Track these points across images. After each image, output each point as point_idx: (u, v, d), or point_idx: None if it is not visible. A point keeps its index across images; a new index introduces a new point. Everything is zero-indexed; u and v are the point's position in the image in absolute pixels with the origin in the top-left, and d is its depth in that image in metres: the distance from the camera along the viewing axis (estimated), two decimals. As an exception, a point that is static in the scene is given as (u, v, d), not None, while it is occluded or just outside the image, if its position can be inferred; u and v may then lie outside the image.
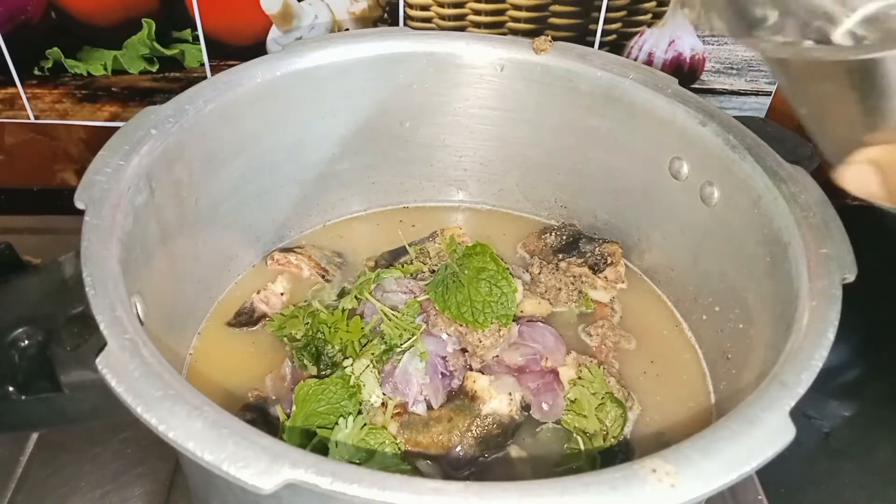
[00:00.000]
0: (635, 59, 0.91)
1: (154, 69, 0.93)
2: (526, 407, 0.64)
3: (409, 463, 0.58)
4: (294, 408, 0.58)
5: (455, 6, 0.88)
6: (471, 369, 0.64)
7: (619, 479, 0.39)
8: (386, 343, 0.63)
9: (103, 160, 0.56)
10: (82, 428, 0.72)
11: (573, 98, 0.73)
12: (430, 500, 0.38)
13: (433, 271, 0.70)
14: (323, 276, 0.76)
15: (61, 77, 0.93)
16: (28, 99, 0.95)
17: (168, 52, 0.91)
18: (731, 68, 0.93)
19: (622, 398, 0.64)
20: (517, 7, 0.89)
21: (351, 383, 0.59)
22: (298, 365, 0.65)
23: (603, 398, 0.63)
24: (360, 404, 0.60)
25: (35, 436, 0.71)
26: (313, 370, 0.64)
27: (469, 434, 0.61)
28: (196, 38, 0.90)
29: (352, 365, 0.61)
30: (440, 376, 0.63)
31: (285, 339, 0.68)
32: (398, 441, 0.59)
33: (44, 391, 0.54)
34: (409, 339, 0.63)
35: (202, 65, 0.92)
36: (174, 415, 0.40)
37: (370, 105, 0.76)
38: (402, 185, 0.84)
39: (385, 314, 0.64)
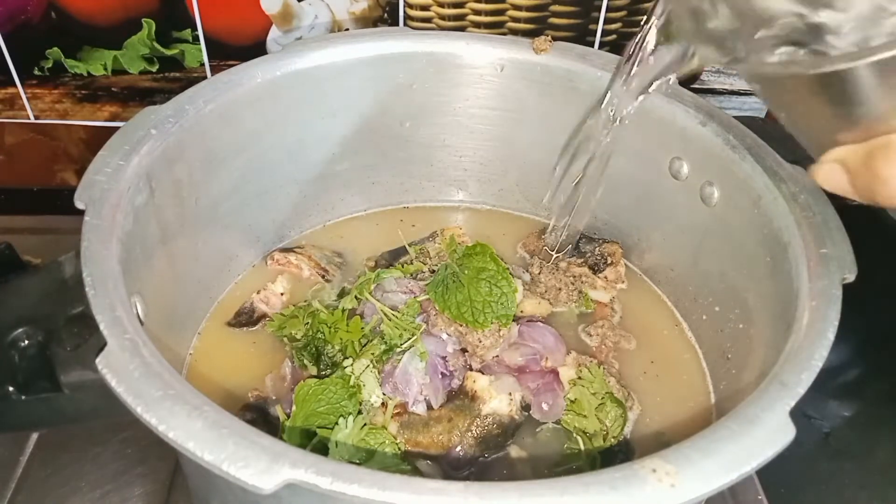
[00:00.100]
0: (635, 59, 0.91)
1: (154, 69, 0.93)
2: (526, 407, 0.64)
3: (409, 463, 0.58)
4: (294, 408, 0.58)
5: (455, 6, 0.88)
6: (471, 369, 0.64)
7: (619, 479, 0.39)
8: (386, 343, 0.63)
9: (103, 160, 0.56)
10: (82, 428, 0.72)
11: (573, 98, 0.73)
12: (430, 500, 0.38)
13: (433, 271, 0.70)
14: (323, 276, 0.76)
15: (61, 77, 0.93)
16: (28, 99, 0.95)
17: (168, 52, 0.91)
18: (731, 68, 0.93)
19: (622, 398, 0.64)
20: (517, 7, 0.89)
21: (351, 383, 0.59)
22: (298, 365, 0.65)
23: (603, 398, 0.63)
24: (360, 404, 0.60)
25: (35, 436, 0.71)
26: (313, 370, 0.64)
27: (469, 434, 0.61)
28: (196, 38, 0.90)
29: (352, 365, 0.61)
30: (440, 376, 0.63)
31: (285, 339, 0.68)
32: (398, 441, 0.59)
33: (44, 391, 0.55)
34: (409, 339, 0.63)
35: (202, 65, 0.92)
36: (174, 415, 0.40)
37: (370, 105, 0.76)
38: (402, 185, 0.84)
39: (385, 314, 0.64)
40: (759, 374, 0.52)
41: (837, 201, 0.59)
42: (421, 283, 0.68)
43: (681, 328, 0.74)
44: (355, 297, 0.67)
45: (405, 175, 0.84)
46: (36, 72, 0.93)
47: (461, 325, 0.64)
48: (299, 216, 0.81)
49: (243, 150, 0.70)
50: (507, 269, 0.65)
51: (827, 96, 0.41)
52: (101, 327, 0.45)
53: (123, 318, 0.46)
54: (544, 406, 0.63)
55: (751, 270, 0.63)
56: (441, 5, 0.88)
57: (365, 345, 0.63)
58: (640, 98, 0.58)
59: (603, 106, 0.63)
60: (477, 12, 0.89)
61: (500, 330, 0.64)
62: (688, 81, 0.93)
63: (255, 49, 0.91)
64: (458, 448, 0.60)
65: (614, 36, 0.91)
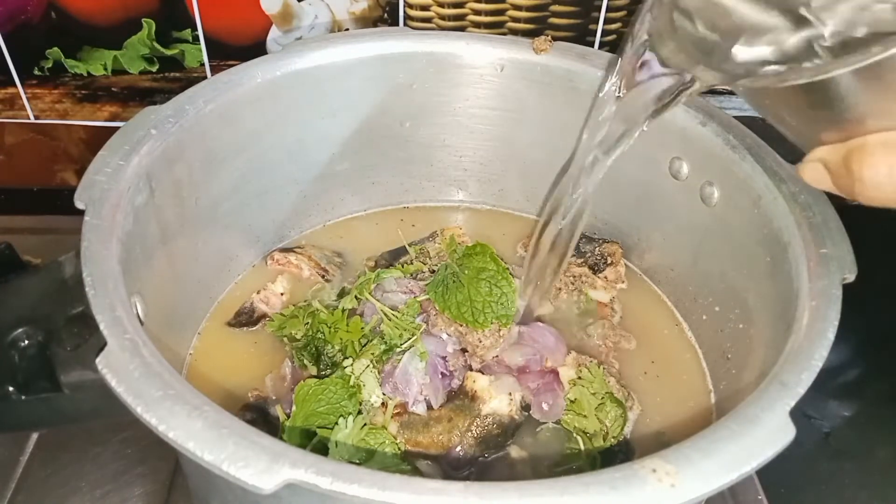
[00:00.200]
0: (635, 59, 0.91)
1: (154, 69, 0.93)
2: (526, 407, 0.64)
3: (409, 463, 0.58)
4: (294, 408, 0.58)
5: (455, 6, 0.88)
6: (471, 369, 0.64)
7: (619, 479, 0.39)
8: (386, 343, 0.63)
9: (103, 160, 0.56)
10: (82, 428, 0.72)
11: (573, 98, 0.73)
12: (430, 500, 0.38)
13: (433, 271, 0.70)
14: (323, 276, 0.76)
15: (61, 77, 0.93)
16: (28, 99, 0.95)
17: (168, 52, 0.91)
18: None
19: (622, 398, 0.64)
20: (517, 7, 0.89)
21: (351, 383, 0.59)
22: (298, 365, 0.65)
23: (603, 398, 0.63)
24: (360, 404, 0.60)
25: (35, 436, 0.71)
26: (313, 370, 0.64)
27: (469, 434, 0.61)
28: (196, 38, 0.90)
29: (352, 365, 0.61)
30: (440, 376, 0.63)
31: (285, 339, 0.68)
32: (398, 441, 0.59)
33: (44, 391, 0.54)
34: (409, 339, 0.63)
35: (202, 65, 0.92)
36: (174, 415, 0.40)
37: (370, 105, 0.76)
38: (402, 185, 0.84)
39: (385, 314, 0.64)
40: (759, 374, 0.52)
41: (837, 201, 0.60)
42: (421, 283, 0.68)
43: (681, 328, 0.74)
44: (355, 297, 0.67)
45: (405, 175, 0.84)
46: (36, 72, 0.93)
47: (461, 325, 0.64)
48: (299, 216, 0.81)
49: (243, 150, 0.70)
50: (507, 269, 0.65)
51: (806, 100, 0.42)
52: (101, 327, 0.45)
53: (123, 318, 0.46)
54: (544, 406, 0.63)
55: (751, 270, 0.63)
56: (441, 5, 0.88)
57: (365, 345, 0.63)
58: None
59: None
60: (477, 12, 0.89)
61: (500, 330, 0.64)
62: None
63: (255, 49, 0.91)
64: (458, 448, 0.60)
65: (614, 36, 0.91)
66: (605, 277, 0.76)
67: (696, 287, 0.72)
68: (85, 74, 0.93)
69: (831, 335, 0.49)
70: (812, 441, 0.78)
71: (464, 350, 0.65)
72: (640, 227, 0.78)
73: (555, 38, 0.74)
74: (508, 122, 0.79)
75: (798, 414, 0.43)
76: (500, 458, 0.61)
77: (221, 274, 0.74)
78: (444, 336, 0.64)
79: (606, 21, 0.90)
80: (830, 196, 0.59)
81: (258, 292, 0.73)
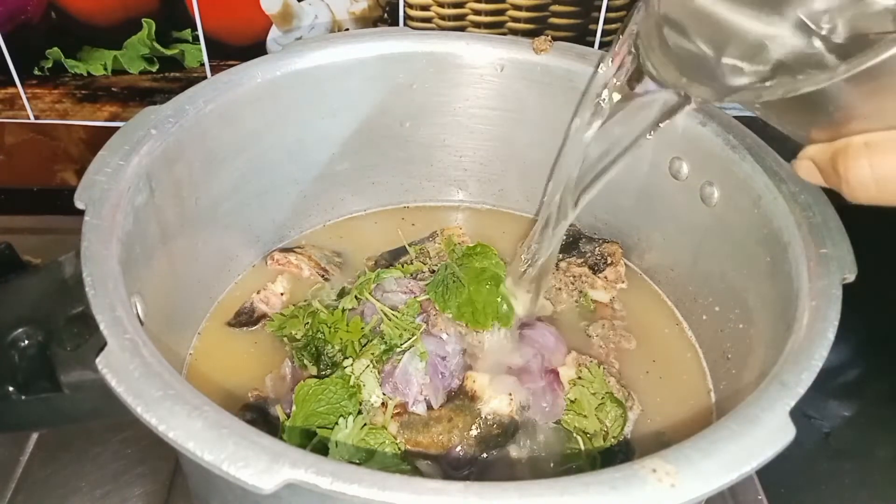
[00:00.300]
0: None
1: (154, 69, 0.93)
2: (526, 407, 0.63)
3: (409, 463, 0.58)
4: (294, 408, 0.58)
5: (455, 6, 0.88)
6: (471, 369, 0.64)
7: (619, 479, 0.39)
8: (386, 343, 0.63)
9: (103, 160, 0.56)
10: (82, 428, 0.72)
11: (573, 98, 0.73)
12: (430, 500, 0.38)
13: (433, 271, 0.70)
14: (323, 276, 0.76)
15: (61, 77, 0.93)
16: (28, 99, 0.95)
17: (168, 52, 0.91)
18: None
19: (622, 398, 0.64)
20: (517, 7, 0.89)
21: (351, 383, 0.59)
22: (298, 365, 0.65)
23: (603, 398, 0.63)
24: (360, 404, 0.60)
25: (35, 436, 0.71)
26: (313, 370, 0.64)
27: (469, 434, 0.61)
28: (196, 38, 0.90)
29: (352, 365, 0.61)
30: (440, 376, 0.63)
31: (285, 339, 0.68)
32: (398, 441, 0.59)
33: (44, 391, 0.54)
34: (409, 339, 0.63)
35: (202, 65, 0.92)
36: (174, 415, 0.40)
37: (370, 105, 0.76)
38: (402, 185, 0.84)
39: (385, 314, 0.64)
40: (759, 374, 0.52)
41: (837, 201, 0.60)
42: (421, 283, 0.68)
43: (681, 327, 0.74)
44: (355, 296, 0.67)
45: (405, 175, 0.84)
46: (36, 72, 0.93)
47: (461, 325, 0.64)
48: (299, 216, 0.81)
49: (243, 150, 0.70)
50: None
51: (792, 102, 0.42)
52: (101, 327, 0.45)
53: (123, 318, 0.46)
54: (544, 406, 0.63)
55: (751, 270, 0.63)
56: (441, 5, 0.88)
57: (365, 345, 0.63)
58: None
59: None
60: (477, 12, 0.89)
61: (500, 330, 0.64)
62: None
63: (255, 49, 0.91)
64: (458, 448, 0.60)
65: (614, 36, 0.91)
66: (605, 277, 0.76)
67: (696, 287, 0.72)
68: (85, 74, 0.93)
69: (831, 335, 0.49)
70: (812, 441, 0.78)
71: (464, 350, 0.65)
72: (640, 227, 0.78)
73: (555, 38, 0.74)
74: (508, 122, 0.79)
75: (798, 414, 0.43)
76: (500, 458, 0.61)
77: (221, 274, 0.74)
78: (444, 336, 0.64)
79: (606, 21, 0.90)
80: (830, 196, 0.59)
81: (258, 292, 0.73)
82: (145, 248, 0.58)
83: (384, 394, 0.61)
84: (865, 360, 0.86)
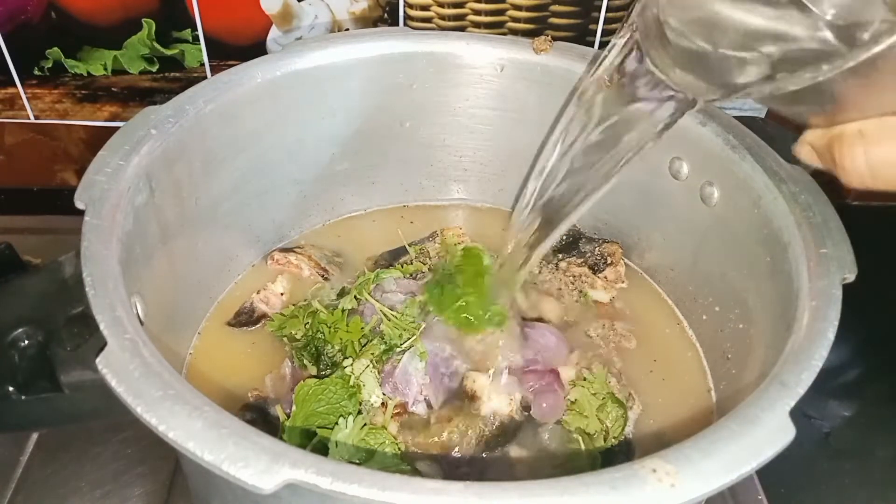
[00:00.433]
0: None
1: (154, 69, 0.93)
2: (526, 407, 0.63)
3: (409, 463, 0.58)
4: (294, 408, 0.58)
5: (455, 6, 0.88)
6: (471, 369, 0.64)
7: (619, 479, 0.39)
8: (386, 343, 0.63)
9: (103, 160, 0.56)
10: (82, 428, 0.72)
11: (570, 94, 0.73)
12: (430, 500, 0.38)
13: (433, 270, 0.70)
14: (323, 276, 0.76)
15: (61, 77, 0.93)
16: (28, 99, 0.95)
17: (168, 52, 0.91)
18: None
19: (623, 398, 0.64)
20: (517, 7, 0.89)
21: (351, 383, 0.59)
22: (298, 365, 0.65)
23: (604, 398, 0.63)
24: (360, 404, 0.60)
25: (35, 436, 0.71)
26: (313, 370, 0.64)
27: (469, 434, 0.61)
28: (196, 38, 0.90)
29: (352, 365, 0.61)
30: (440, 376, 0.63)
31: (285, 339, 0.68)
32: (398, 441, 0.59)
33: (44, 391, 0.54)
34: (409, 339, 0.63)
35: (202, 65, 0.92)
36: (174, 415, 0.40)
37: (370, 105, 0.76)
38: (402, 185, 0.84)
39: (384, 314, 0.64)
40: (759, 374, 0.52)
41: (837, 201, 0.60)
42: (421, 283, 0.68)
43: (682, 327, 0.74)
44: (355, 297, 0.67)
45: (405, 175, 0.84)
46: (36, 72, 0.93)
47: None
48: (299, 216, 0.81)
49: (243, 150, 0.70)
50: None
51: (791, 91, 0.42)
52: (101, 327, 0.45)
53: (123, 318, 0.46)
54: (545, 406, 0.63)
55: (751, 270, 0.63)
56: (441, 5, 0.88)
57: (365, 345, 0.63)
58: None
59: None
60: (477, 12, 0.89)
61: (495, 334, 0.64)
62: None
63: (255, 49, 0.91)
64: (458, 448, 0.60)
65: (614, 36, 0.91)
66: (605, 277, 0.76)
67: (696, 287, 0.72)
68: (85, 74, 0.93)
69: (831, 335, 0.49)
70: (812, 441, 0.78)
71: (464, 350, 0.65)
72: (640, 227, 0.78)
73: (555, 38, 0.74)
74: (508, 122, 0.79)
75: (798, 414, 0.43)
76: (500, 458, 0.61)
77: (221, 274, 0.74)
78: (445, 336, 0.64)
79: (606, 21, 0.90)
80: (830, 196, 0.59)
81: (258, 292, 0.73)
82: (145, 248, 0.58)
83: (384, 394, 0.61)
84: (865, 360, 0.86)
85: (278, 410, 0.61)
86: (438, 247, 0.76)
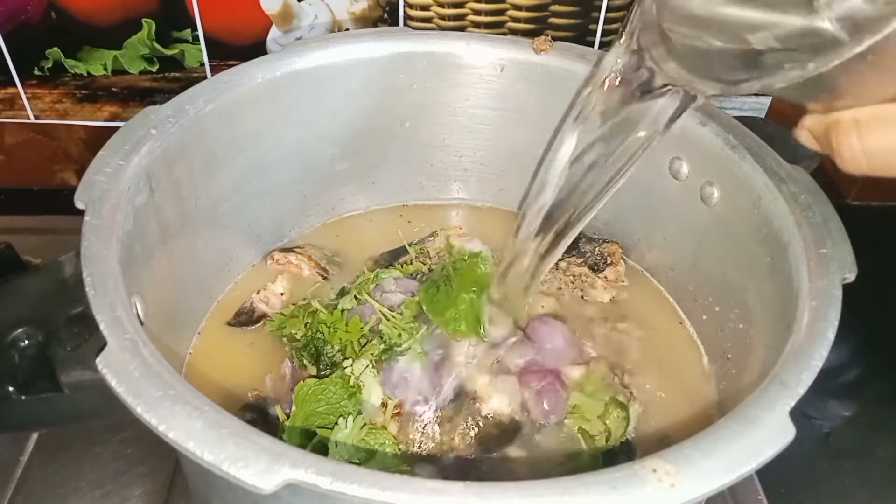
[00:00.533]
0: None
1: (154, 69, 0.93)
2: (527, 407, 0.63)
3: (409, 463, 0.58)
4: (294, 408, 0.58)
5: (455, 6, 0.88)
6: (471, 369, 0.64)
7: (620, 479, 0.39)
8: (385, 343, 0.63)
9: (103, 160, 0.56)
10: (82, 428, 0.72)
11: (573, 98, 0.73)
12: (430, 500, 0.38)
13: (433, 270, 0.70)
14: (323, 276, 0.76)
15: (61, 77, 0.93)
16: (28, 99, 0.95)
17: (168, 52, 0.91)
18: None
19: (624, 399, 0.64)
20: (517, 7, 0.89)
21: (351, 383, 0.59)
22: (298, 365, 0.65)
23: (605, 399, 0.63)
24: (360, 404, 0.60)
25: (35, 436, 0.71)
26: (313, 370, 0.64)
27: (469, 434, 0.61)
28: (196, 38, 0.90)
29: (351, 365, 0.61)
30: (440, 376, 0.63)
31: (285, 338, 0.68)
32: (398, 441, 0.59)
33: (44, 391, 0.54)
34: (409, 339, 0.63)
35: (202, 65, 0.92)
36: (174, 415, 0.40)
37: (370, 105, 0.76)
38: (402, 185, 0.84)
39: (384, 314, 0.64)
40: (760, 374, 0.52)
41: (837, 201, 0.60)
42: (421, 283, 0.68)
43: (684, 326, 0.74)
44: (355, 296, 0.67)
45: (405, 175, 0.84)
46: (36, 72, 0.93)
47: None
48: (299, 216, 0.81)
49: (243, 150, 0.70)
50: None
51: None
52: (101, 327, 0.45)
53: (123, 318, 0.46)
54: (546, 406, 0.63)
55: (751, 270, 0.63)
56: (441, 5, 0.88)
57: (364, 345, 0.63)
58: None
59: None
60: (477, 12, 0.89)
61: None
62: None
63: (255, 49, 0.91)
64: (458, 448, 0.60)
65: (614, 36, 0.91)
66: (605, 277, 0.76)
67: (696, 287, 0.72)
68: (85, 74, 0.93)
69: (831, 335, 0.49)
70: (812, 441, 0.78)
71: (464, 350, 0.65)
72: (640, 227, 0.78)
73: (555, 38, 0.74)
74: (508, 122, 0.79)
75: (798, 414, 0.43)
76: (500, 458, 0.61)
77: (221, 274, 0.74)
78: (445, 336, 0.64)
79: (606, 21, 0.90)
80: (830, 196, 0.59)
81: (258, 292, 0.73)
82: (145, 248, 0.58)
83: (384, 394, 0.61)
84: (865, 360, 0.86)
85: (278, 410, 0.61)
86: (439, 246, 0.76)
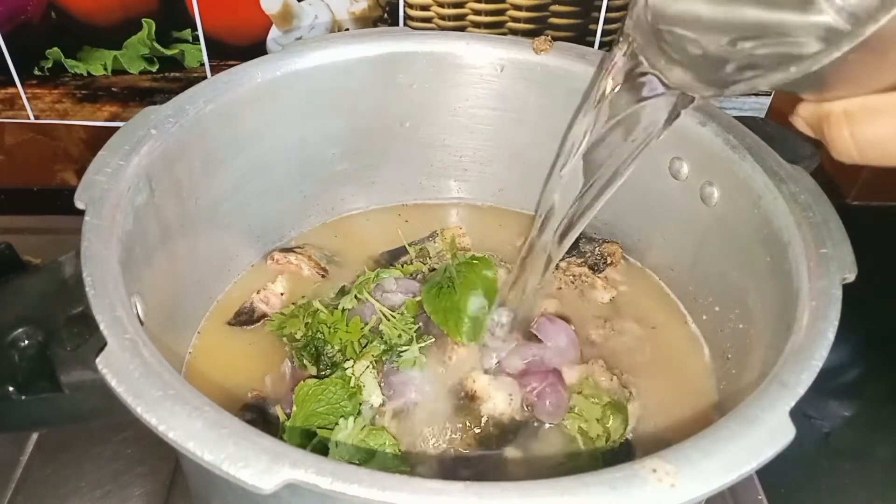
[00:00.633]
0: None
1: (154, 69, 0.93)
2: (527, 407, 0.63)
3: (409, 464, 0.58)
4: (294, 408, 0.58)
5: (455, 6, 0.88)
6: (471, 369, 0.64)
7: (619, 479, 0.39)
8: (386, 343, 0.63)
9: (103, 160, 0.56)
10: (82, 428, 0.72)
11: (573, 98, 0.73)
12: (430, 500, 0.38)
13: (433, 270, 0.70)
14: (323, 276, 0.76)
15: (61, 77, 0.93)
16: (28, 99, 0.95)
17: (168, 52, 0.91)
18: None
19: (624, 399, 0.64)
20: (517, 7, 0.89)
21: (351, 384, 0.59)
22: (298, 365, 0.65)
23: (605, 400, 0.63)
24: (360, 405, 0.59)
25: (35, 436, 0.71)
26: (313, 370, 0.64)
27: (469, 434, 0.61)
28: (196, 38, 0.90)
29: (352, 366, 0.61)
30: (439, 376, 0.63)
31: (285, 338, 0.68)
32: (398, 442, 0.59)
33: (44, 391, 0.54)
34: (409, 339, 0.63)
35: (202, 65, 0.92)
36: (174, 415, 0.40)
37: (370, 105, 0.76)
38: (402, 185, 0.84)
39: (384, 314, 0.64)
40: (760, 374, 0.52)
41: (837, 201, 0.60)
42: (421, 283, 0.68)
43: (684, 326, 0.74)
44: (355, 296, 0.67)
45: (405, 175, 0.84)
46: (36, 72, 0.93)
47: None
48: (299, 216, 0.81)
49: (243, 150, 0.70)
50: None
51: None
52: (101, 327, 0.45)
53: (123, 318, 0.46)
54: (546, 406, 0.63)
55: (751, 270, 0.63)
56: (441, 5, 0.88)
57: (365, 345, 0.63)
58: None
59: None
60: (477, 12, 0.89)
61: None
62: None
63: (255, 49, 0.91)
64: (458, 448, 0.60)
65: (614, 36, 0.91)
66: (605, 277, 0.76)
67: (696, 287, 0.72)
68: (85, 74, 0.93)
69: (831, 335, 0.49)
70: (812, 441, 0.78)
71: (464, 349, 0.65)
72: (640, 227, 0.78)
73: (555, 38, 0.74)
74: (508, 122, 0.79)
75: (798, 414, 0.43)
76: (500, 458, 0.61)
77: (221, 274, 0.74)
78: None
79: (606, 21, 0.90)
80: (830, 196, 0.59)
81: (258, 292, 0.73)
82: (145, 248, 0.58)
83: (384, 394, 0.61)
84: (865, 360, 0.86)
85: (278, 410, 0.61)
86: (438, 246, 0.76)
